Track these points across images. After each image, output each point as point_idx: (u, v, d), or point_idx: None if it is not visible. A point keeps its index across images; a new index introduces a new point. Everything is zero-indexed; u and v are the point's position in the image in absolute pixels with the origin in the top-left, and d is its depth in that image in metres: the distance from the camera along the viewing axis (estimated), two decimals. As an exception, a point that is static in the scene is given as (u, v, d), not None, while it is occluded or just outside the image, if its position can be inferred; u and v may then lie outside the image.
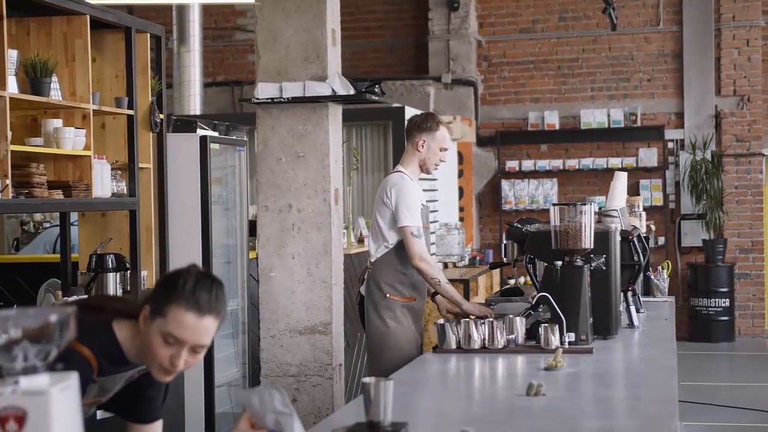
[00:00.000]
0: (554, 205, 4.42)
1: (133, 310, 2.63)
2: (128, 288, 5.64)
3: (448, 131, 5.31)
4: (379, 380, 2.68)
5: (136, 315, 2.61)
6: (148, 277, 5.85)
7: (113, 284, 5.50)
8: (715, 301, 11.93)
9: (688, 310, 12.17)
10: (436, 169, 5.35)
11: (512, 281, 11.93)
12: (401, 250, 5.11)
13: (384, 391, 2.69)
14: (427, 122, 5.24)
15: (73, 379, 1.80)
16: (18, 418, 1.72)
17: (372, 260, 5.25)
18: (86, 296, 5.05)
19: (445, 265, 10.19)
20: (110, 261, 5.46)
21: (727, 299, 11.95)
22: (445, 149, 5.26)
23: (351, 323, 6.93)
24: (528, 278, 11.91)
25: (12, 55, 4.81)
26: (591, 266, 4.38)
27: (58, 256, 5.83)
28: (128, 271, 5.60)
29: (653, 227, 10.77)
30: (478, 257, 11.25)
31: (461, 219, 12.10)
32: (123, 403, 2.77)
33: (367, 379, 2.67)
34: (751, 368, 10.79)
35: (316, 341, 5.44)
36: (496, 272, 11.29)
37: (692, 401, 8.57)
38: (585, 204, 4.38)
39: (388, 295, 5.13)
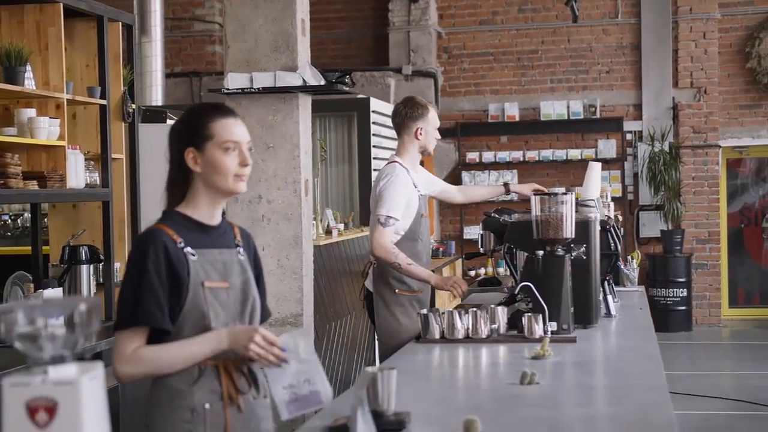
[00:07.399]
0: (535, 194, 4.43)
1: (174, 198, 2.87)
2: (101, 280, 5.56)
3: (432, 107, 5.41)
4: (383, 369, 2.69)
5: (180, 198, 2.86)
6: (122, 269, 5.79)
7: (86, 276, 5.42)
8: (673, 291, 12.07)
9: (647, 300, 12.28)
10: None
11: (483, 271, 12.00)
12: (406, 242, 5.05)
13: (388, 380, 2.69)
14: (417, 110, 5.27)
15: (99, 368, 1.78)
16: (48, 409, 1.70)
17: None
18: None
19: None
20: (84, 253, 5.37)
21: (685, 289, 12.10)
22: (438, 126, 5.39)
23: (320, 315, 6.91)
24: (494, 269, 11.99)
25: (-16, 44, 4.74)
26: (572, 255, 4.40)
27: (29, 248, 5.74)
28: (101, 263, 5.53)
29: (620, 217, 10.86)
30: (441, 249, 11.28)
31: (422, 210, 12.11)
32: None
33: (370, 369, 2.67)
34: (708, 357, 10.93)
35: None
36: (458, 263, 11.35)
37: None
38: (566, 194, 4.40)
39: (397, 290, 5.08)
